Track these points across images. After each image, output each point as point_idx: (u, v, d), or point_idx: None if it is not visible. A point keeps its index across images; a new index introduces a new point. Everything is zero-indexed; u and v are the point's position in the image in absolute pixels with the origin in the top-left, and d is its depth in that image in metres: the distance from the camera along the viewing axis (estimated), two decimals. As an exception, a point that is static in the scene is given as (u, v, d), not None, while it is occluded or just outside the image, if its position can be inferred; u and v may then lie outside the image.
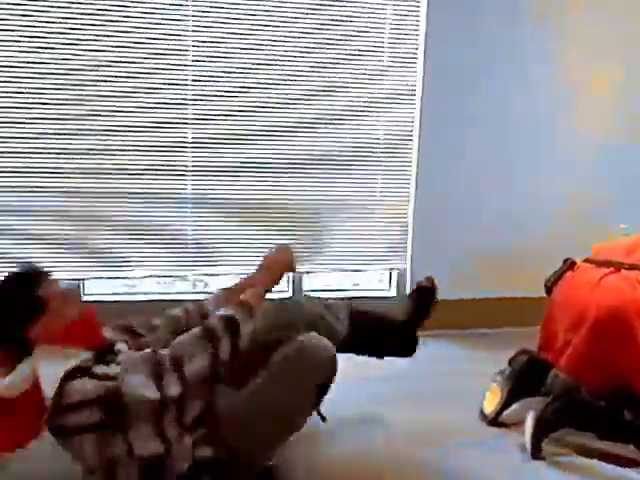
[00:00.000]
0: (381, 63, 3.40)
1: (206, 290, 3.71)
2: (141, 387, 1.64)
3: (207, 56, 3.20)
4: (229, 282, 2.21)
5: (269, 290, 1.99)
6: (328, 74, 3.34)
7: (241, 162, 3.33)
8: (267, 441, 1.82)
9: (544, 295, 2.61)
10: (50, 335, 1.69)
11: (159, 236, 3.30)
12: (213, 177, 3.30)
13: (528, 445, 2.30)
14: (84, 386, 1.64)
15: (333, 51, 3.33)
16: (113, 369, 1.70)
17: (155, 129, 3.20)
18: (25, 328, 1.67)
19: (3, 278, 1.73)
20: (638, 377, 2.24)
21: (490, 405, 2.52)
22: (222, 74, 3.24)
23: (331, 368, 1.83)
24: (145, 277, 3.38)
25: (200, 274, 3.46)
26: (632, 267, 2.36)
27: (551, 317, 2.51)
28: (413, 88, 3.45)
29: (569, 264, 2.56)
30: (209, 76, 3.22)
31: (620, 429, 2.30)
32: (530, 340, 2.60)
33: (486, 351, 3.21)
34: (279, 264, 2.04)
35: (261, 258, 2.10)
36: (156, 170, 3.24)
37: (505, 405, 2.51)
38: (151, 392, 1.64)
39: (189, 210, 3.31)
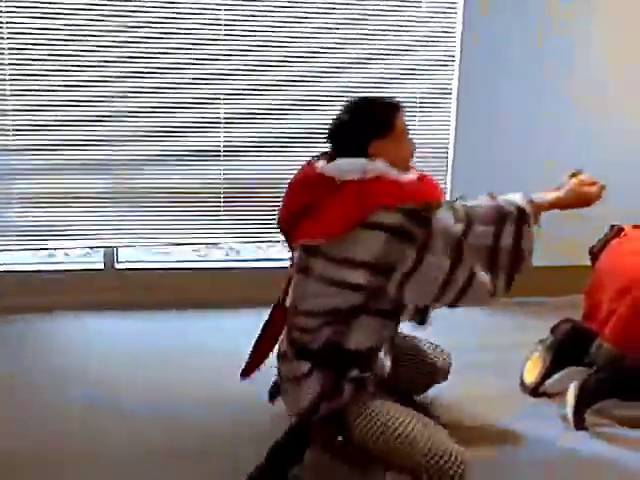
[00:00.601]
0: (419, 33, 3.31)
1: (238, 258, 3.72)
2: (449, 220, 1.78)
3: (242, 30, 3.11)
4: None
5: (553, 208, 1.97)
6: (368, 44, 3.24)
7: (277, 135, 3.27)
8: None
9: (587, 263, 2.54)
10: (386, 159, 1.80)
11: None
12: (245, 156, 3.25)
13: (570, 416, 2.25)
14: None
15: (373, 23, 3.23)
16: None
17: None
18: (368, 141, 1.82)
19: (368, 97, 1.95)
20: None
21: (531, 375, 2.47)
22: (260, 47, 3.15)
23: None
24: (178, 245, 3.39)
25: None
26: (683, 234, 2.28)
27: (596, 285, 2.43)
28: (452, 57, 3.36)
29: (616, 231, 2.48)
30: (246, 49, 3.14)
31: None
32: (573, 309, 2.54)
33: (527, 320, 3.15)
34: (581, 195, 1.98)
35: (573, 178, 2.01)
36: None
37: (547, 375, 2.46)
38: (455, 228, 1.78)
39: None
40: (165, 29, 3.04)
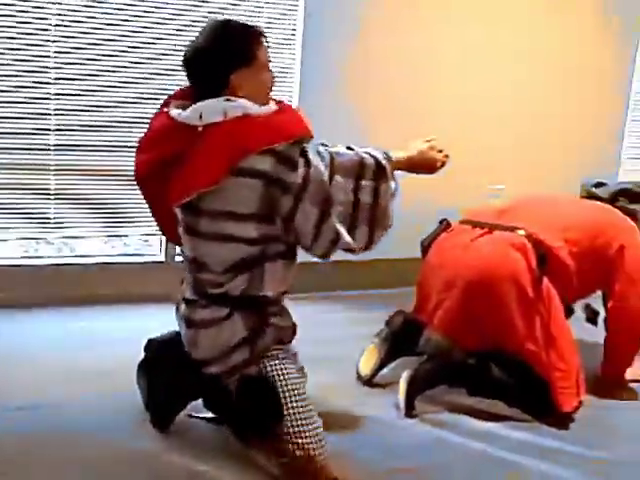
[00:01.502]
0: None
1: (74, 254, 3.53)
2: (321, 166, 1.75)
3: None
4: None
5: (403, 167, 1.98)
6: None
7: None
8: None
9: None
10: (247, 91, 1.74)
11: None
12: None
13: (401, 403, 2.33)
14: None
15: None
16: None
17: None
18: (230, 71, 1.74)
19: (228, 20, 1.88)
20: (506, 337, 2.32)
21: (366, 366, 2.53)
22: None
23: None
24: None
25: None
26: (506, 228, 2.42)
27: (425, 278, 2.53)
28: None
29: (444, 225, 2.59)
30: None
31: (488, 386, 2.37)
32: (407, 301, 2.61)
33: (362, 313, 3.22)
34: (428, 159, 2.01)
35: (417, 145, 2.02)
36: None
37: (382, 366, 2.53)
38: (325, 176, 1.75)
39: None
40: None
